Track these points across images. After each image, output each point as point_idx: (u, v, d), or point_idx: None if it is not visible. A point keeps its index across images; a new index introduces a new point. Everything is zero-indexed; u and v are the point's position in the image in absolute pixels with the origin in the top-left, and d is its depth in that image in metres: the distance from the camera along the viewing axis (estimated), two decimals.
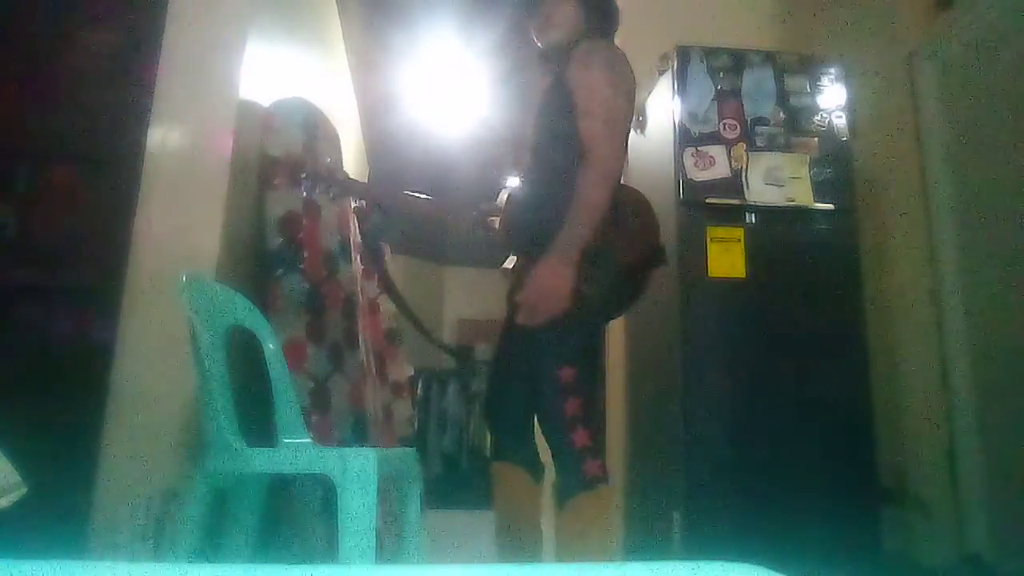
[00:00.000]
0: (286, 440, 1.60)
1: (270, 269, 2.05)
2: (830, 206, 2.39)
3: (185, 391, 1.72)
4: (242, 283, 1.91)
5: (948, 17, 2.50)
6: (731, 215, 2.34)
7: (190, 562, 1.37)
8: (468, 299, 7.81)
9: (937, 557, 2.38)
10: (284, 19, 2.55)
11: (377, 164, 5.12)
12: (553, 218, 1.55)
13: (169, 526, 1.63)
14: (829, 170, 2.41)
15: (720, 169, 2.38)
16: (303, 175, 2.08)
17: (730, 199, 2.35)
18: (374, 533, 1.28)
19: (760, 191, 2.36)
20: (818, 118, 2.47)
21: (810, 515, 2.14)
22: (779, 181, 2.38)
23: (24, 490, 0.95)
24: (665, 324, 2.37)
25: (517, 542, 1.62)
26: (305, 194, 2.11)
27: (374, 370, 2.86)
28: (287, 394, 1.63)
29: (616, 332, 2.98)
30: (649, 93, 2.74)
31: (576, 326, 1.52)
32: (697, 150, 2.39)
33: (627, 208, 1.62)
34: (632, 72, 1.63)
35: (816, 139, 2.44)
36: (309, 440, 1.63)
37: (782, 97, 2.47)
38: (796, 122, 2.45)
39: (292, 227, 2.10)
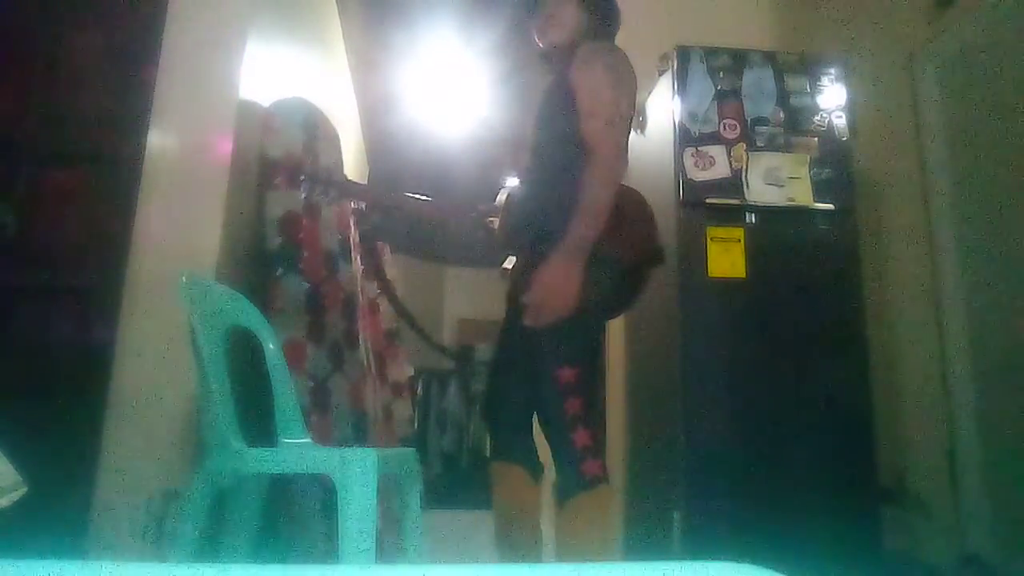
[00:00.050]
0: (286, 440, 1.60)
1: (270, 269, 2.05)
2: (830, 206, 2.39)
3: (185, 391, 1.72)
4: (242, 283, 1.92)
5: (948, 17, 2.50)
6: (731, 215, 2.34)
7: (190, 562, 1.37)
8: (468, 299, 7.81)
9: (937, 557, 2.38)
10: (284, 19, 2.55)
11: (377, 164, 5.12)
12: (553, 218, 1.55)
13: (169, 526, 1.63)
14: (829, 170, 2.41)
15: (720, 169, 2.38)
16: (301, 178, 2.08)
17: (730, 199, 2.35)
18: (374, 533, 1.28)
19: (760, 191, 2.37)
20: (818, 118, 2.47)
21: (810, 515, 2.14)
22: (779, 181, 2.38)
23: (24, 490, 0.95)
24: (665, 324, 2.37)
25: (517, 542, 1.62)
26: (304, 196, 2.11)
27: (374, 370, 2.86)
28: (287, 394, 1.63)
29: (616, 332, 2.98)
30: (649, 93, 2.74)
31: (576, 326, 1.52)
32: (697, 150, 2.39)
33: (625, 208, 1.62)
34: (634, 73, 1.64)
35: (816, 139, 2.44)
36: (309, 440, 1.63)
37: (782, 97, 2.47)
38: (796, 122, 2.45)
39: (292, 227, 2.10)
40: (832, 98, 2.49)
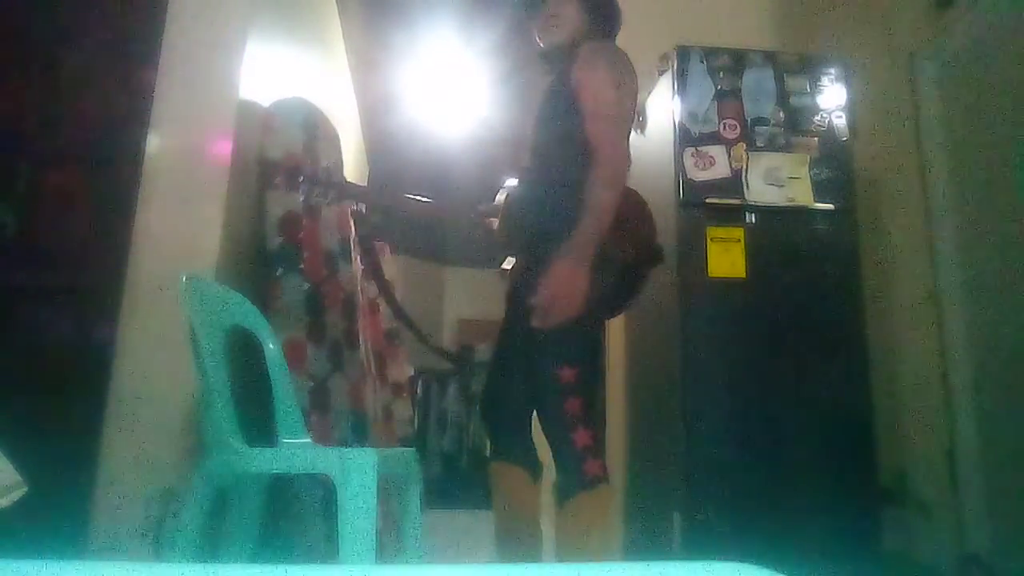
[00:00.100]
0: (286, 440, 1.60)
1: (270, 269, 2.05)
2: (830, 206, 2.39)
3: (185, 391, 1.72)
4: (242, 283, 1.91)
5: (948, 17, 2.50)
6: (731, 215, 2.34)
7: (190, 562, 1.37)
8: (468, 299, 7.81)
9: (937, 557, 2.38)
10: (284, 19, 2.55)
11: (377, 164, 5.12)
12: (553, 219, 1.55)
13: (169, 526, 1.63)
14: (829, 170, 2.41)
15: (720, 169, 2.38)
16: (300, 179, 2.08)
17: (730, 199, 2.35)
18: (374, 533, 1.28)
19: (760, 191, 2.36)
20: (818, 118, 2.47)
21: (810, 515, 2.14)
22: (779, 181, 2.38)
23: (24, 490, 0.95)
24: (665, 324, 2.37)
25: (517, 542, 1.62)
26: (303, 198, 2.11)
27: (374, 370, 2.86)
28: (287, 394, 1.63)
29: (616, 332, 2.98)
30: (649, 93, 2.74)
31: (576, 326, 1.52)
32: (697, 150, 2.39)
33: (624, 208, 1.62)
34: (635, 73, 1.64)
35: (816, 139, 2.44)
36: (309, 440, 1.63)
37: (782, 97, 2.47)
38: (796, 122, 2.45)
39: (292, 227, 2.10)
40: (832, 98, 2.49)
